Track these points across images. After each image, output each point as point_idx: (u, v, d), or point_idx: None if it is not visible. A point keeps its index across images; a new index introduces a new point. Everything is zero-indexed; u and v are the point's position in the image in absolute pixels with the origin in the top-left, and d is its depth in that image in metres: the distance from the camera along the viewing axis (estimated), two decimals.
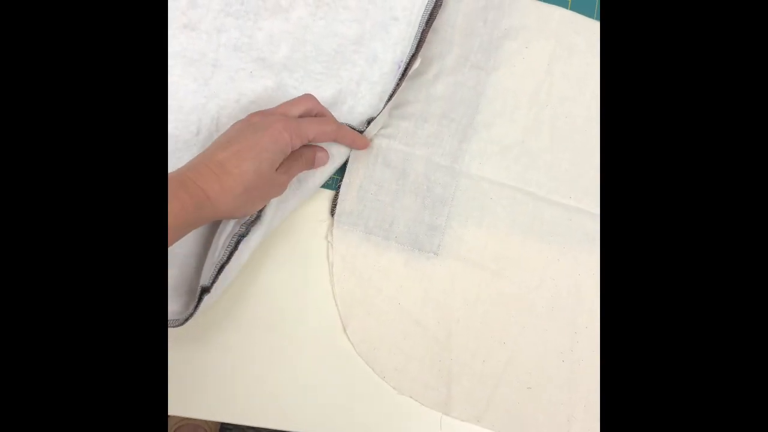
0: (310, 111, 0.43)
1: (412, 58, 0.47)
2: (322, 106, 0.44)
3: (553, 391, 0.45)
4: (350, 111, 0.48)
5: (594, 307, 0.47)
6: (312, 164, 0.43)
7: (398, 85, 0.47)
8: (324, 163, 0.44)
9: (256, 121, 0.40)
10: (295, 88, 0.47)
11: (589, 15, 0.53)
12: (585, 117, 0.50)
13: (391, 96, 0.46)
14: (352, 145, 0.46)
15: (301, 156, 0.42)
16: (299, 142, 0.40)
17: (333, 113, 0.47)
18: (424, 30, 0.48)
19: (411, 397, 0.45)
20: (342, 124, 0.45)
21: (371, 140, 0.47)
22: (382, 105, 0.47)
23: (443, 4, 0.49)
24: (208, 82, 0.47)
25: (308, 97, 0.43)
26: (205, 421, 0.92)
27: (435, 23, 0.49)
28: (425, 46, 0.48)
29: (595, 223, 0.48)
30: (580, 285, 0.47)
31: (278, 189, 0.41)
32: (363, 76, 0.48)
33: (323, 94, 0.47)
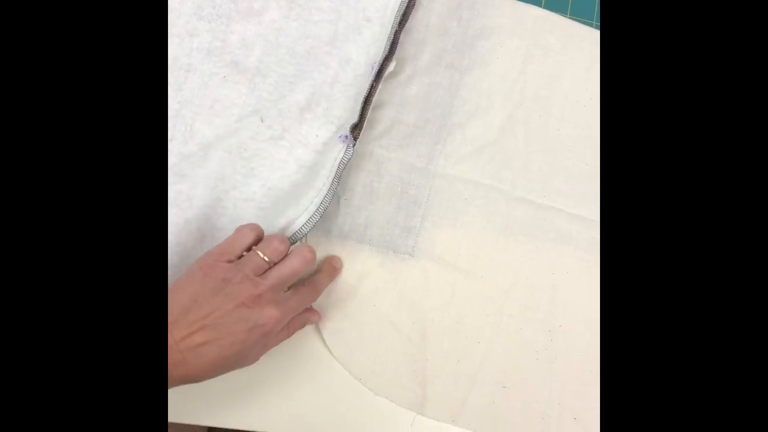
0: (259, 237, 0.41)
1: (386, 59, 0.47)
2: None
3: (528, 390, 0.46)
4: (326, 113, 0.48)
5: (568, 305, 0.48)
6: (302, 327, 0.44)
7: (374, 87, 0.47)
8: (315, 322, 0.45)
9: (249, 308, 0.37)
10: (269, 93, 0.47)
11: (563, 13, 0.54)
12: (558, 117, 0.51)
13: (367, 99, 0.47)
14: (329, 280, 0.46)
15: (287, 328, 0.42)
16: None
17: (307, 116, 0.47)
18: (397, 31, 0.48)
19: (387, 398, 0.45)
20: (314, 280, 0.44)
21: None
22: (358, 107, 0.47)
23: (416, 4, 0.49)
24: (181, 87, 0.47)
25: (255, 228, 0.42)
26: (190, 426, 0.92)
27: (408, 23, 0.49)
28: (399, 47, 0.48)
29: (568, 222, 0.49)
30: (554, 284, 0.48)
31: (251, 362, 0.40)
32: (336, 78, 0.48)
33: (297, 97, 0.47)
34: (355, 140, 0.46)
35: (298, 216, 0.44)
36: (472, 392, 0.45)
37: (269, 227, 0.44)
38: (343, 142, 0.46)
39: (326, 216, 0.47)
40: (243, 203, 0.45)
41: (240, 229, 0.41)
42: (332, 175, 0.45)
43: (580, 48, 0.53)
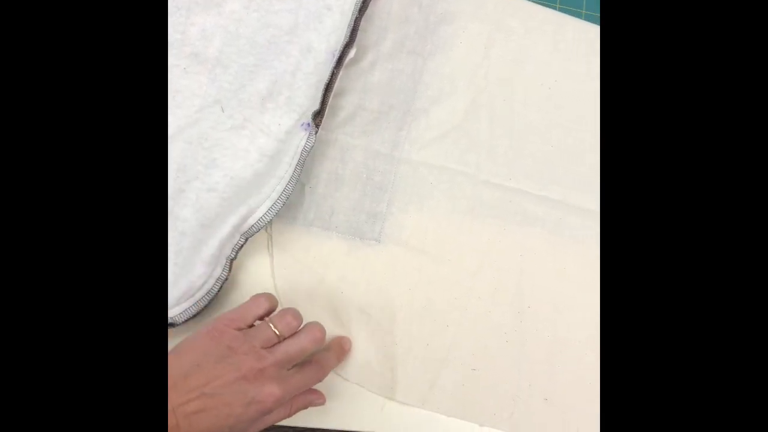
0: (273, 307, 0.40)
1: (347, 46, 0.47)
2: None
3: (498, 372, 0.46)
4: (288, 102, 0.48)
5: (536, 287, 0.48)
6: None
7: (335, 74, 0.47)
8: (320, 405, 0.43)
9: (250, 382, 0.35)
10: (229, 83, 0.47)
11: None
12: (522, 101, 0.51)
13: (328, 86, 0.46)
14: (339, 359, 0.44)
15: (289, 406, 0.40)
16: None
17: (269, 105, 0.47)
18: (357, 18, 0.48)
19: (357, 383, 0.45)
20: (322, 354, 0.42)
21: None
22: (320, 95, 0.47)
23: None
24: None
25: (268, 299, 0.40)
26: None
27: (369, 11, 0.49)
28: (360, 34, 0.48)
29: (535, 204, 0.49)
30: (521, 266, 0.48)
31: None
32: (298, 66, 0.48)
33: (258, 87, 0.47)
34: (317, 127, 0.46)
35: (260, 204, 0.44)
36: (442, 375, 0.45)
37: (232, 216, 0.44)
38: (306, 129, 0.46)
39: (291, 204, 0.47)
40: (205, 193, 0.44)
41: (255, 298, 0.40)
42: (294, 162, 0.45)
43: (543, 31, 0.53)
